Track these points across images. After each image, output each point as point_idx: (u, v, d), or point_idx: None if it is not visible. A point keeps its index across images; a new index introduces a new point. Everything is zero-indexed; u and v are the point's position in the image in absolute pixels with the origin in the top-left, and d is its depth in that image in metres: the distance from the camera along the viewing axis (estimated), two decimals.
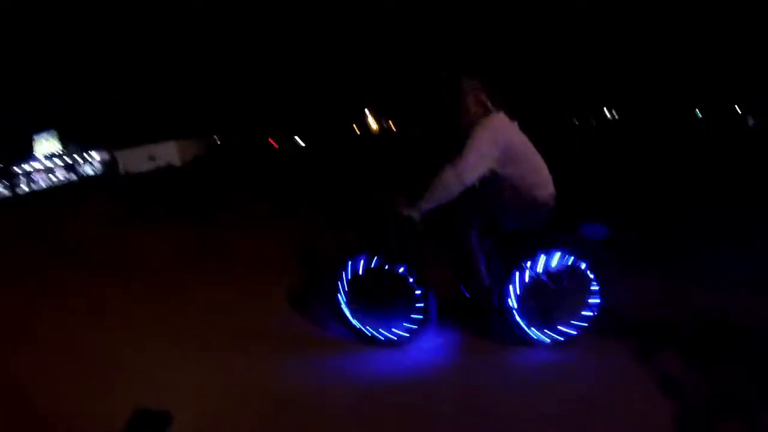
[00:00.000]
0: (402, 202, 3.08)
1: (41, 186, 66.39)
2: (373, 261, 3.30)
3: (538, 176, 3.11)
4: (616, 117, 42.88)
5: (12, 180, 66.62)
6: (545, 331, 3.21)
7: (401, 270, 3.26)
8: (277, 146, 42.75)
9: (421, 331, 3.31)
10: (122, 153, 49.82)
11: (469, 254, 3.19)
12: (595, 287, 3.14)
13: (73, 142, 68.48)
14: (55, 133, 73.87)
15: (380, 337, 3.36)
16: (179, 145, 47.16)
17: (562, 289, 3.14)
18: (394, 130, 49.40)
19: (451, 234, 3.22)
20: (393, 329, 3.34)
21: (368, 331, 3.37)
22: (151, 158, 43.46)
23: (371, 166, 13.07)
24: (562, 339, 3.21)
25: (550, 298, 3.15)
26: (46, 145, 75.59)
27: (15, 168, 71.00)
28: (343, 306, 3.36)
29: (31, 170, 72.15)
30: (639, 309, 3.65)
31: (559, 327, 3.20)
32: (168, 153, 44.59)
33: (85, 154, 68.55)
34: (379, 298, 3.30)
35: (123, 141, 51.19)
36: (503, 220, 3.20)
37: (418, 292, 3.25)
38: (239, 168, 20.93)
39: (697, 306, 3.72)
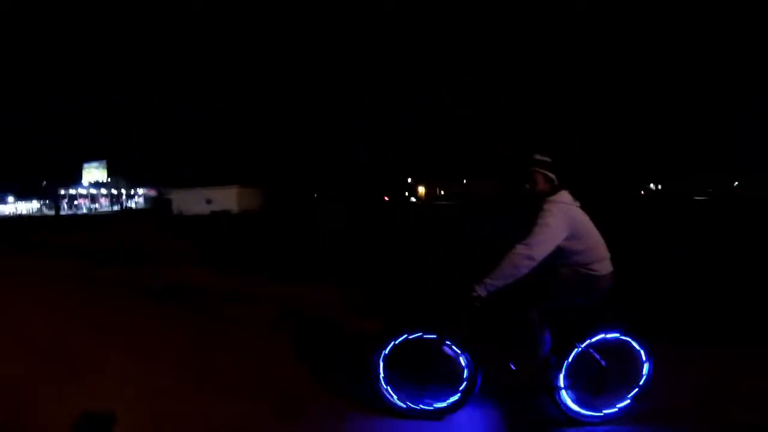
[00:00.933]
0: (469, 280, 3.07)
1: (83, 211, 68.32)
2: (419, 334, 3.28)
3: (597, 252, 3.16)
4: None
5: (56, 201, 68.68)
6: (592, 409, 3.18)
7: (449, 343, 3.27)
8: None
9: (463, 405, 3.25)
10: (178, 192, 49.51)
11: (530, 330, 3.19)
12: (645, 367, 3.16)
13: (122, 176, 70.73)
14: (105, 163, 76.72)
15: (418, 408, 3.27)
16: (240, 192, 46.69)
17: (612, 367, 3.17)
18: (442, 193, 50.19)
19: (511, 309, 3.22)
20: (433, 402, 3.28)
21: (404, 404, 3.28)
22: (208, 201, 43.85)
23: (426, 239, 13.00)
24: (607, 417, 3.18)
25: (600, 376, 3.18)
26: (94, 173, 78.29)
27: (61, 190, 73.42)
28: (380, 377, 3.27)
29: (76, 195, 74.37)
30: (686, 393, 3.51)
31: (605, 405, 3.18)
32: (227, 198, 44.36)
33: (131, 189, 70.59)
34: (421, 370, 3.30)
35: (179, 181, 51.39)
36: (563, 297, 3.21)
37: (463, 365, 3.24)
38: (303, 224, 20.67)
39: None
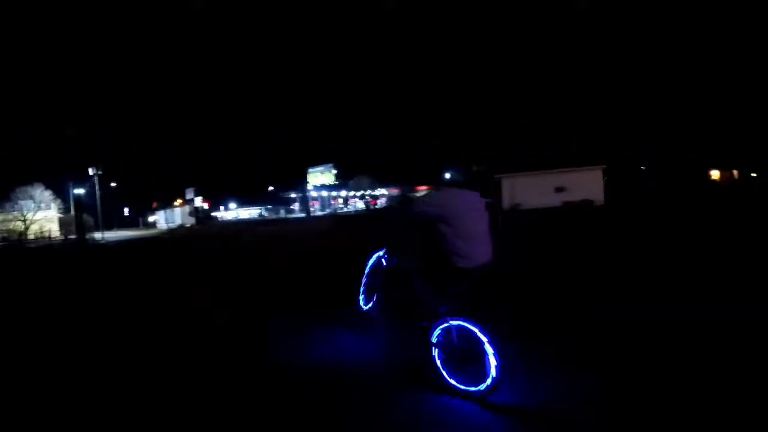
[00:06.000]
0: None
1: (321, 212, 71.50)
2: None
3: (462, 248, 3.65)
4: None
5: (288, 205, 72.84)
6: (462, 383, 3.74)
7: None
8: None
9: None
10: (510, 178, 37.22)
11: (417, 294, 4.05)
12: (491, 350, 3.54)
13: (363, 177, 72.44)
14: (332, 167, 79.57)
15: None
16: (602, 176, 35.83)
17: (464, 347, 3.69)
18: None
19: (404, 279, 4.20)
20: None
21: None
22: (559, 189, 35.36)
23: None
24: (474, 393, 3.67)
25: (458, 354, 3.74)
26: (320, 177, 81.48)
27: (291, 194, 78.00)
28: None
29: (307, 198, 78.15)
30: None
31: (471, 382, 3.69)
32: (586, 184, 34.91)
33: (370, 191, 72.11)
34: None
35: (508, 164, 39.65)
36: (428, 276, 3.92)
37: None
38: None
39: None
